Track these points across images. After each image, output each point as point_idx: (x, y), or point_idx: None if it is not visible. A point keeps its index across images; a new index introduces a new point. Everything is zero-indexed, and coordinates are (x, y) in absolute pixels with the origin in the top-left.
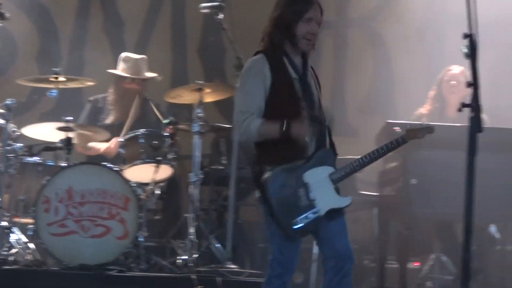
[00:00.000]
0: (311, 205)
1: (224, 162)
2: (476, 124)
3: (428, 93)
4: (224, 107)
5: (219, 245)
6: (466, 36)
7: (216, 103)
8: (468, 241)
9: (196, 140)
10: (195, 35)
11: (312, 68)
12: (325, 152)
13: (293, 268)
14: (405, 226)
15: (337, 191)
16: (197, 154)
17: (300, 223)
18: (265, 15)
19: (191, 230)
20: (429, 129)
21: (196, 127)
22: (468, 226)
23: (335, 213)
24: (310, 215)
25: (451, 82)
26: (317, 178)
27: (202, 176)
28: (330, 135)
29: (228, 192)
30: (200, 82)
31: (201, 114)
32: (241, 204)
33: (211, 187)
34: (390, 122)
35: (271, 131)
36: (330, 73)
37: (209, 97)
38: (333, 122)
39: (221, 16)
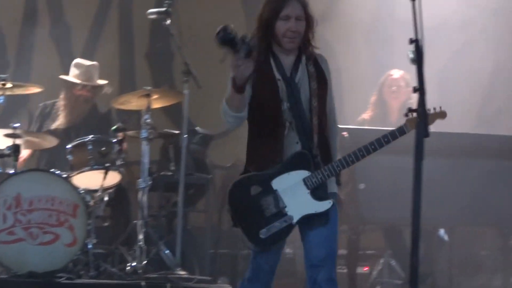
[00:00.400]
0: (280, 213)
1: (172, 168)
2: (422, 129)
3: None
4: (172, 113)
5: (168, 251)
6: (412, 41)
7: (164, 109)
8: (416, 245)
9: (145, 146)
10: (142, 41)
11: (318, 67)
12: (298, 155)
13: (266, 279)
14: (353, 231)
15: (315, 196)
16: (146, 160)
17: (268, 233)
18: (212, 20)
19: (140, 236)
20: (441, 114)
21: (144, 133)
22: (416, 230)
23: (315, 220)
24: (278, 223)
25: (392, 88)
26: (288, 184)
27: (151, 182)
28: (325, 141)
29: (177, 198)
30: (148, 88)
31: (149, 120)
32: (190, 210)
33: (160, 193)
34: (342, 127)
35: (229, 92)
36: None
37: (157, 103)
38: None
39: (168, 22)
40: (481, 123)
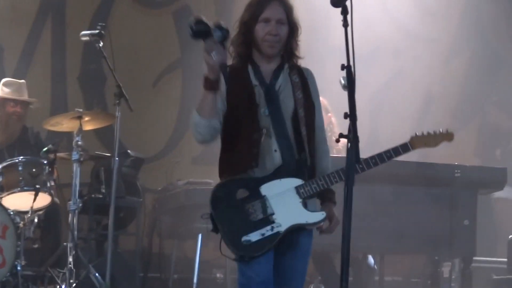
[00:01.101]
0: (267, 220)
1: (103, 191)
2: (353, 154)
3: None
4: (103, 136)
5: (98, 274)
6: (344, 67)
7: (96, 131)
8: (345, 272)
9: (76, 168)
10: (75, 62)
11: (303, 78)
12: (291, 163)
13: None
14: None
15: (306, 205)
16: (76, 182)
17: (252, 239)
18: (145, 43)
19: (70, 259)
20: (448, 136)
21: (75, 155)
22: (345, 257)
23: (301, 234)
24: (266, 230)
25: None
26: (279, 190)
27: (81, 204)
28: (313, 154)
29: (108, 221)
30: (79, 110)
31: (81, 142)
32: (120, 233)
33: (90, 215)
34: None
35: (201, 94)
36: None
37: (89, 125)
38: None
39: (101, 44)
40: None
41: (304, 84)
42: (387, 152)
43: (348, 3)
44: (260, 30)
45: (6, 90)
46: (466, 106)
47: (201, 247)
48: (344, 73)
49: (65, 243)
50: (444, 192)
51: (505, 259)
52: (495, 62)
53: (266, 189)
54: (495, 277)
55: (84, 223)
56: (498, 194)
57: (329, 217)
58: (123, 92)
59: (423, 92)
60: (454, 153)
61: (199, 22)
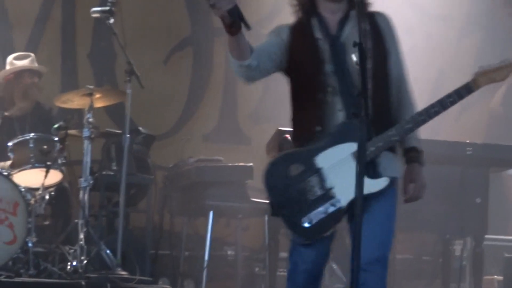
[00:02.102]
0: (327, 196)
1: (114, 168)
2: (365, 133)
3: None
4: (114, 113)
5: (109, 251)
6: (355, 44)
7: (106, 108)
8: (357, 250)
9: (86, 145)
10: (85, 39)
11: (375, 24)
12: (346, 125)
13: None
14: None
15: (371, 170)
16: (87, 159)
17: (313, 220)
18: (155, 20)
19: (81, 236)
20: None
21: (86, 132)
22: (358, 235)
23: (370, 203)
24: (327, 208)
25: None
26: (336, 160)
27: (92, 181)
28: (385, 112)
29: (119, 198)
30: (90, 87)
31: (92, 119)
32: (131, 211)
33: (101, 193)
34: (281, 129)
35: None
36: (222, 81)
37: (100, 102)
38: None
39: (111, 21)
40: (423, 128)
41: (376, 31)
42: (449, 96)
43: None
44: None
45: (21, 62)
46: None
47: (212, 225)
48: (355, 49)
49: (76, 220)
50: (455, 170)
51: None
52: (509, 39)
53: (322, 160)
54: (506, 255)
55: (95, 200)
56: (510, 171)
57: (411, 180)
58: (133, 69)
59: (436, 69)
60: (465, 131)
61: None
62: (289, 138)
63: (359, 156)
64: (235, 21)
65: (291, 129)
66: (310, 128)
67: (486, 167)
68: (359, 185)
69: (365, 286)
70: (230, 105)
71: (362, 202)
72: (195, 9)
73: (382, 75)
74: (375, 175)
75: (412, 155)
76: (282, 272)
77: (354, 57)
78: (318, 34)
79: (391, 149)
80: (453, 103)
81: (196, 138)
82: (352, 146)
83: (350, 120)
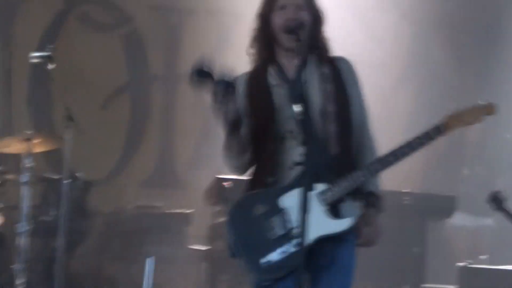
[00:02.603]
0: (289, 236)
1: (52, 213)
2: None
3: None
4: (52, 158)
5: None
6: (297, 97)
7: (44, 154)
8: None
9: (25, 190)
10: (21, 84)
11: (336, 68)
12: (311, 168)
13: None
14: (236, 280)
15: (333, 212)
16: (25, 204)
17: (273, 259)
18: (93, 66)
19: (18, 281)
20: (488, 108)
21: (24, 178)
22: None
23: (338, 246)
24: (288, 248)
25: None
26: (298, 200)
27: (30, 227)
28: (347, 155)
29: (57, 244)
30: (29, 132)
31: (30, 165)
32: (69, 256)
33: (40, 238)
34: (219, 177)
35: (225, 137)
36: (159, 127)
37: (38, 148)
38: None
39: (51, 66)
40: None
41: (337, 75)
42: (417, 138)
43: (301, 32)
44: (277, 18)
45: None
46: (413, 134)
47: (151, 271)
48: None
49: (12, 266)
50: (393, 219)
51: (454, 287)
52: (444, 89)
53: (286, 201)
54: None
55: (33, 245)
56: (451, 220)
57: (367, 224)
58: (72, 116)
59: (373, 116)
60: (404, 179)
61: (202, 67)
62: (226, 186)
63: (303, 205)
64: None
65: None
66: (262, 180)
67: (423, 216)
68: (303, 233)
69: None
70: (167, 151)
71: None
72: (133, 55)
73: (345, 119)
74: (338, 216)
75: (371, 200)
76: None
77: (295, 108)
78: (274, 81)
79: (351, 195)
80: (422, 144)
81: (134, 183)
82: (318, 187)
83: (314, 162)
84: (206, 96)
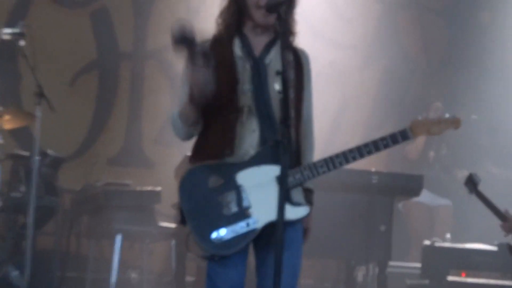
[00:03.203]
0: (243, 215)
1: (22, 190)
2: (287, 160)
3: None
4: (21, 135)
5: (17, 272)
6: (279, 72)
7: (13, 130)
8: (278, 274)
9: None
10: None
11: (298, 58)
12: (271, 148)
13: None
14: (202, 258)
15: (292, 198)
16: None
17: (224, 235)
18: (61, 43)
19: None
20: (454, 122)
21: None
22: (278, 260)
23: (287, 229)
24: (239, 227)
25: None
26: (258, 180)
27: (0, 203)
28: (298, 141)
29: (26, 220)
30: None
31: (1, 141)
32: (38, 233)
33: (9, 214)
34: (189, 155)
35: (185, 106)
36: (127, 104)
37: (8, 124)
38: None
39: (22, 43)
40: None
41: (298, 65)
42: (383, 139)
43: (282, 11)
44: None
45: None
46: (380, 112)
47: (120, 248)
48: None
49: None
50: (361, 198)
51: (419, 264)
52: (410, 69)
53: (243, 178)
54: (408, 281)
55: (1, 222)
56: (417, 200)
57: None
58: (43, 92)
59: (340, 96)
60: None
61: (189, 31)
62: None
63: (281, 181)
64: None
65: (193, 151)
66: (218, 151)
67: (391, 195)
68: (281, 209)
69: None
70: (135, 129)
71: (283, 226)
72: (101, 33)
73: (300, 108)
74: (295, 202)
75: (308, 195)
76: None
77: (277, 86)
78: (240, 53)
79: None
80: (386, 146)
81: (101, 161)
82: (275, 170)
83: (275, 143)
84: (172, 72)
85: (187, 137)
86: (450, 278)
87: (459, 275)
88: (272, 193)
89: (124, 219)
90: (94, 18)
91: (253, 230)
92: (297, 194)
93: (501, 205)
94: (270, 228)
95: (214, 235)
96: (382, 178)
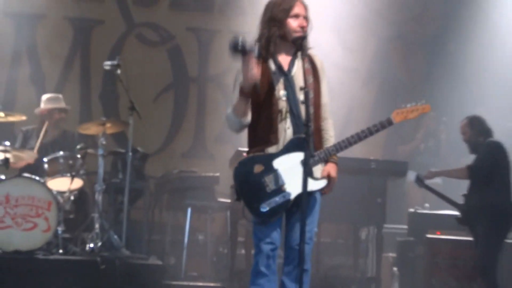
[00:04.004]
0: (280, 190)
1: (120, 177)
2: (309, 151)
3: None
4: (119, 137)
5: (116, 236)
6: (301, 88)
7: (113, 134)
8: (302, 234)
9: (100, 160)
10: (97, 84)
11: (313, 64)
12: (298, 140)
13: (268, 256)
14: (250, 224)
15: (313, 175)
16: (101, 170)
17: (267, 207)
18: (147, 71)
19: (96, 226)
20: (425, 108)
21: (100, 151)
22: (302, 226)
23: (310, 197)
24: (277, 198)
25: None
26: (288, 164)
27: (104, 186)
28: (318, 129)
29: (123, 199)
30: (103, 119)
31: (104, 142)
32: (132, 208)
33: (111, 195)
34: (240, 150)
35: (237, 100)
36: (194, 114)
37: (110, 130)
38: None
39: (118, 71)
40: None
41: (314, 69)
42: (375, 125)
43: (304, 43)
44: (292, 22)
45: (51, 104)
46: (376, 119)
47: (190, 217)
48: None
49: (92, 214)
50: (363, 178)
51: (406, 226)
52: (398, 88)
53: (278, 163)
54: (398, 239)
55: (105, 200)
56: (411, 179)
57: (328, 176)
58: (134, 106)
59: (346, 107)
60: (368, 150)
61: (241, 40)
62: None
63: (305, 165)
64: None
65: (248, 140)
66: (267, 140)
67: (384, 176)
68: (305, 183)
69: (305, 253)
70: (200, 132)
71: (307, 196)
72: (175, 63)
73: (319, 102)
74: (315, 178)
75: (332, 158)
76: (239, 251)
77: (301, 97)
78: (274, 69)
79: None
80: (377, 131)
81: (176, 155)
82: (300, 156)
83: (298, 136)
84: (227, 91)
85: (240, 129)
86: (429, 235)
87: (435, 233)
88: (298, 172)
89: (193, 196)
90: (169, 52)
91: (288, 201)
92: (317, 171)
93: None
94: (298, 198)
95: (262, 207)
96: (378, 164)
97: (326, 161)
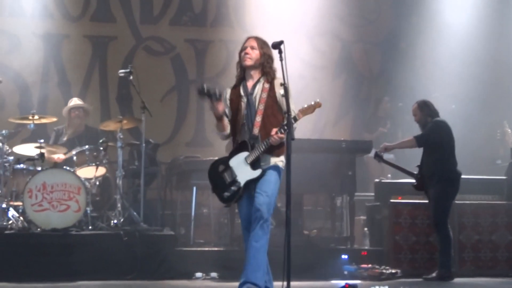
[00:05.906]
0: (234, 181)
1: (136, 164)
2: (290, 136)
3: None
4: (134, 132)
5: (135, 213)
6: (281, 84)
7: (129, 129)
8: (288, 204)
9: (119, 151)
10: (113, 89)
11: (272, 84)
12: (243, 142)
13: (248, 220)
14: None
15: (253, 167)
16: (120, 159)
17: (227, 193)
18: (154, 76)
19: (118, 205)
20: (318, 104)
21: (119, 144)
22: (288, 195)
23: (254, 182)
24: (233, 187)
25: None
26: (237, 161)
27: (124, 173)
28: (266, 134)
29: (140, 182)
30: (120, 117)
31: (121, 136)
32: (147, 189)
33: (129, 179)
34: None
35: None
36: (195, 111)
37: (126, 126)
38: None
39: (131, 77)
40: (315, 131)
41: (271, 88)
42: (282, 126)
43: (282, 47)
44: (242, 53)
45: (77, 103)
46: (344, 107)
47: (196, 194)
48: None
49: (115, 196)
50: (336, 156)
51: (373, 194)
52: (361, 81)
53: (232, 162)
54: (367, 204)
55: (125, 183)
56: (369, 155)
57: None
58: (145, 106)
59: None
60: (339, 132)
61: (207, 88)
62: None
63: (287, 163)
64: (221, 115)
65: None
66: (238, 147)
67: (353, 153)
68: (288, 181)
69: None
70: (200, 125)
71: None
72: (177, 68)
73: (268, 113)
74: (255, 168)
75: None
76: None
77: (281, 91)
78: (243, 93)
79: (269, 152)
80: (290, 127)
81: (181, 144)
82: (245, 154)
83: (243, 140)
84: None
85: (224, 138)
86: (392, 200)
87: (397, 198)
88: (244, 166)
89: (197, 177)
90: (172, 60)
91: (240, 188)
92: (264, 160)
93: None
94: (249, 184)
95: (224, 194)
96: (348, 144)
97: (267, 152)
